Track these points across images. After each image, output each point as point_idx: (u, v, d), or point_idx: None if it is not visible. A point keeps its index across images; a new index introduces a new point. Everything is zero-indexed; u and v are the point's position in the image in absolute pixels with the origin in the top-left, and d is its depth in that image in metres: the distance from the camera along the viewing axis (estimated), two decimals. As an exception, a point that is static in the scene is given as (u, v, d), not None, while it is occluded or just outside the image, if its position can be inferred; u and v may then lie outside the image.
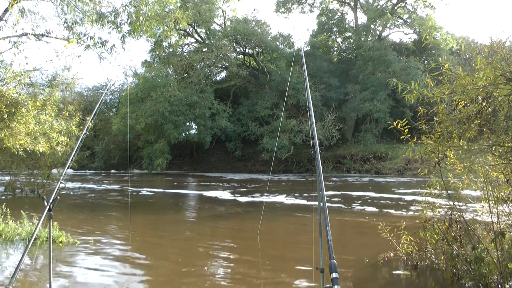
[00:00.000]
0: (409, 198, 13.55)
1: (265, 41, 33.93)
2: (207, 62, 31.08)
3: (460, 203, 5.00)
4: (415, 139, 4.92)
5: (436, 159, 4.79)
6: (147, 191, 17.06)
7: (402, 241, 5.60)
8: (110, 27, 10.33)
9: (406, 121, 4.99)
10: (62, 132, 9.30)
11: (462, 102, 4.35)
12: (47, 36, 10.19)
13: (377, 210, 11.39)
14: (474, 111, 4.22)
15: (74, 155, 3.66)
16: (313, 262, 2.92)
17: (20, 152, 8.43)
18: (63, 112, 9.97)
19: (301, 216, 10.59)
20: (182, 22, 12.52)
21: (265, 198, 14.03)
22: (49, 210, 3.00)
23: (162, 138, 30.58)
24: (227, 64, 33.40)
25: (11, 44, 10.19)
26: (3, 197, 13.46)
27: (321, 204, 2.52)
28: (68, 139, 9.69)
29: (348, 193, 15.51)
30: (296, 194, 15.55)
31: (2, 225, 7.20)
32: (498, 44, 4.07)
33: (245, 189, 17.55)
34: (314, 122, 3.29)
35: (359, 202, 13.33)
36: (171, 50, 34.97)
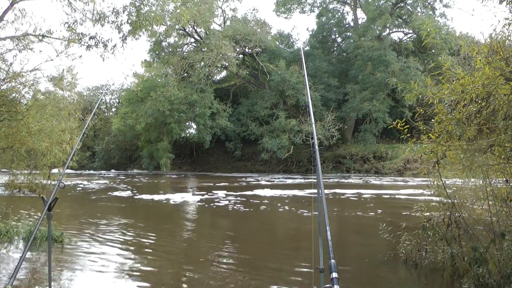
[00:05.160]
0: (409, 198, 13.55)
1: (265, 41, 33.91)
2: (207, 62, 31.04)
3: (460, 203, 4.99)
4: (414, 139, 4.93)
5: (436, 159, 4.79)
6: (148, 191, 17.05)
7: (402, 241, 5.61)
8: (111, 27, 10.30)
9: (405, 121, 5.00)
10: (65, 131, 9.29)
11: (462, 102, 4.35)
12: (48, 37, 10.14)
13: (376, 209, 11.39)
14: (474, 111, 4.21)
15: (73, 155, 3.67)
16: (313, 262, 2.92)
17: (22, 151, 8.42)
18: (63, 112, 9.98)
19: (300, 216, 10.59)
20: (184, 20, 12.46)
21: (264, 198, 14.03)
22: (49, 209, 2.99)
23: (164, 136, 30.59)
24: (226, 64, 33.36)
25: (12, 44, 10.17)
26: (3, 197, 13.45)
27: (321, 203, 2.52)
28: (69, 139, 9.70)
29: (348, 193, 15.51)
30: (295, 194, 15.56)
31: (2, 224, 7.20)
32: (498, 44, 4.06)
33: (244, 189, 17.54)
34: (314, 122, 3.29)
35: (359, 201, 13.33)
36: (170, 49, 34.96)
